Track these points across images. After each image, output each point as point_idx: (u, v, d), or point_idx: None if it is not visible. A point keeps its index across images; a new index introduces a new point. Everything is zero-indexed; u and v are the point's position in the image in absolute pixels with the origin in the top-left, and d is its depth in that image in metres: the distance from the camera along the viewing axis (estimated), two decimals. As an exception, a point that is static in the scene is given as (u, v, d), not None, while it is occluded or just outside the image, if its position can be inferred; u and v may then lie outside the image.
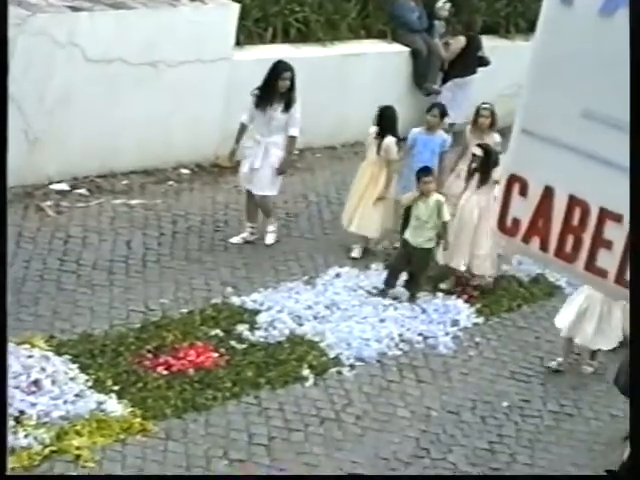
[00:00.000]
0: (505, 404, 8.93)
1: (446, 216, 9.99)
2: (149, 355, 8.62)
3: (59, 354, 8.33)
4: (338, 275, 10.31)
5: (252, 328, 9.24)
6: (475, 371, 9.28)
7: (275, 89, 10.31)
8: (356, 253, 10.74)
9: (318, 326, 9.44)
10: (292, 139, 10.46)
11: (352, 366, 9.07)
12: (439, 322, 9.91)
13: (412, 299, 10.06)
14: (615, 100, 2.78)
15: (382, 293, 10.07)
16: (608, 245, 2.86)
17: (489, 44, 14.45)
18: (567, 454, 8.37)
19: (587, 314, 8.95)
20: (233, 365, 8.72)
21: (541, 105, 2.94)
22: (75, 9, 10.72)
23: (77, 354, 8.43)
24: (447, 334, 9.78)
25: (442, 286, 10.39)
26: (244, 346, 8.99)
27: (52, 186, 10.84)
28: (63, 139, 10.76)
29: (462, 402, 8.87)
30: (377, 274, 10.40)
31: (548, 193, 2.95)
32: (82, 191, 10.99)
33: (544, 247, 2.96)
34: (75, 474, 7.30)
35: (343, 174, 10.39)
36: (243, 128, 10.50)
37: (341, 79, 13.15)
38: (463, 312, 10.16)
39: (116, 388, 8.13)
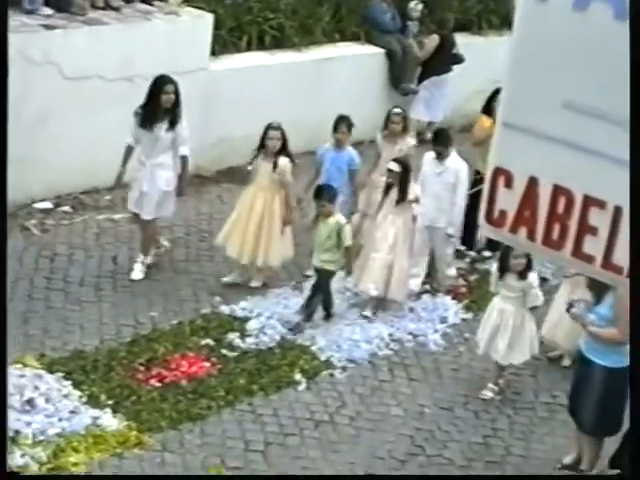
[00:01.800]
0: (498, 398, 9.00)
1: (347, 240, 9.42)
2: (141, 368, 8.67)
3: (51, 372, 8.36)
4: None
5: (243, 335, 9.30)
6: (465, 367, 9.36)
7: (158, 106, 9.64)
8: (231, 278, 10.16)
9: (308, 330, 9.51)
10: (184, 159, 9.84)
11: (344, 368, 9.14)
12: (428, 320, 9.99)
13: (306, 321, 9.53)
14: (594, 90, 2.86)
15: (296, 327, 9.53)
16: (593, 231, 2.94)
17: (463, 41, 14.56)
18: (562, 444, 8.44)
19: (500, 330, 8.81)
20: (226, 373, 8.78)
21: (521, 98, 3.02)
22: (49, 27, 10.77)
23: (69, 371, 8.47)
24: (436, 331, 9.87)
25: (364, 313, 9.89)
26: (236, 354, 9.05)
27: (36, 205, 10.87)
28: (44, 157, 10.80)
29: (454, 398, 8.95)
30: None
31: (533, 183, 3.03)
32: (66, 208, 11.03)
33: (531, 236, 3.04)
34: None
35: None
36: (129, 150, 9.82)
37: (318, 83, 13.23)
38: (451, 309, 10.25)
39: (110, 403, 8.18)
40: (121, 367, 8.64)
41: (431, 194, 10.23)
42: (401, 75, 14.14)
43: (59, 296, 9.54)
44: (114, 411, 8.08)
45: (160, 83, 9.71)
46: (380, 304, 9.96)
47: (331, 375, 9.03)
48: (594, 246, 2.94)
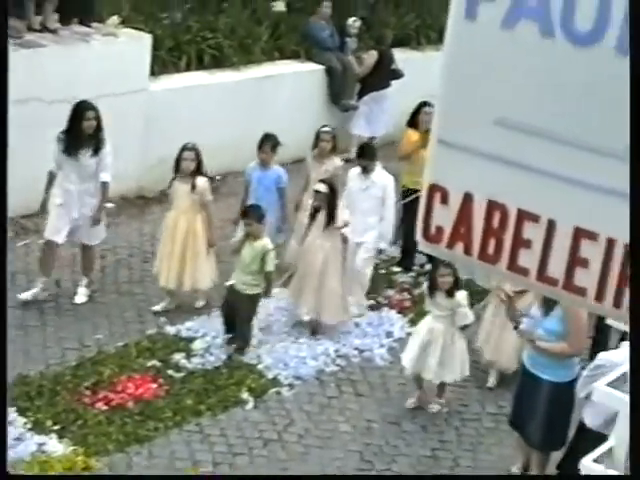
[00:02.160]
0: (444, 410, 9.07)
1: (270, 266, 9.27)
2: (87, 392, 8.63)
3: (-5, 399, 8.28)
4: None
5: (189, 356, 9.29)
6: (412, 381, 9.42)
7: (80, 132, 9.55)
8: (161, 306, 10.00)
9: (254, 349, 9.51)
10: (104, 185, 9.73)
11: (291, 385, 9.16)
12: (373, 335, 10.04)
13: (240, 352, 9.39)
14: (525, 107, 2.92)
15: (231, 341, 9.47)
16: (527, 244, 2.99)
17: (401, 56, 14.70)
18: (509, 454, 8.52)
19: (430, 348, 8.71)
20: (173, 394, 8.77)
21: (454, 115, 3.08)
22: (-15, 51, 10.68)
23: (14, 397, 8.40)
24: (382, 346, 9.92)
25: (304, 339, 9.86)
26: (182, 374, 9.04)
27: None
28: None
29: (402, 412, 9.01)
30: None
31: (468, 199, 3.08)
32: (8, 234, 10.93)
33: (468, 251, 3.09)
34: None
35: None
36: (52, 177, 9.70)
37: (258, 102, 13.28)
38: (397, 323, 10.31)
39: (56, 428, 8.15)
40: (67, 391, 8.59)
41: (358, 210, 10.14)
42: (341, 91, 14.24)
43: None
44: (60, 436, 8.04)
45: (80, 109, 9.61)
46: (317, 327, 9.89)
47: (278, 393, 9.05)
48: (528, 259, 3.00)
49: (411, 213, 10.91)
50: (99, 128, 9.62)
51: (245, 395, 8.92)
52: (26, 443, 7.91)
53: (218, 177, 10.99)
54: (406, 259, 11.35)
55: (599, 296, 2.94)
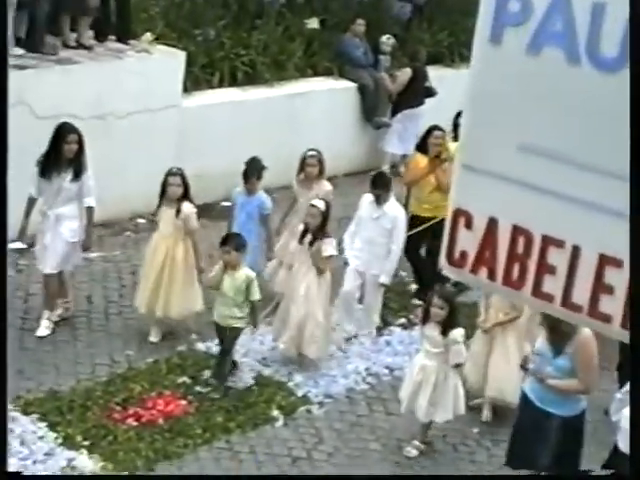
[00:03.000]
0: (475, 430, 9.02)
1: (255, 295, 8.91)
2: (117, 408, 8.65)
3: (26, 414, 8.34)
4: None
5: (219, 373, 9.29)
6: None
7: (61, 155, 9.24)
8: (154, 337, 9.73)
9: (284, 367, 9.51)
10: (90, 210, 9.42)
11: (321, 403, 9.15)
12: (404, 353, 9.99)
13: (223, 391, 9.03)
14: (548, 133, 2.92)
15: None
16: (552, 270, 2.99)
17: (435, 74, 14.70)
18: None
19: (422, 386, 8.37)
20: (202, 411, 8.78)
21: (479, 140, 3.08)
22: (21, 67, 10.80)
23: (45, 412, 8.45)
24: (413, 365, 9.86)
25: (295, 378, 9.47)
26: (212, 391, 9.05)
27: (9, 245, 10.83)
28: (18, 198, 10.77)
29: (433, 431, 8.94)
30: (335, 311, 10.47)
31: (492, 224, 3.08)
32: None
33: (492, 276, 3.08)
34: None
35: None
36: (31, 202, 9.39)
37: (291, 118, 13.31)
38: (428, 342, 10.24)
39: (86, 444, 8.16)
40: (97, 407, 8.62)
41: (365, 239, 9.97)
42: (374, 109, 14.26)
43: (33, 336, 9.52)
44: (90, 452, 8.06)
45: (61, 132, 9.32)
46: (301, 360, 9.55)
47: (308, 411, 9.04)
48: (553, 285, 2.99)
49: (416, 240, 10.79)
50: (81, 151, 9.30)
51: (275, 413, 8.92)
52: (56, 458, 7.94)
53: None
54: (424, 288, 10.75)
55: (625, 323, 2.92)
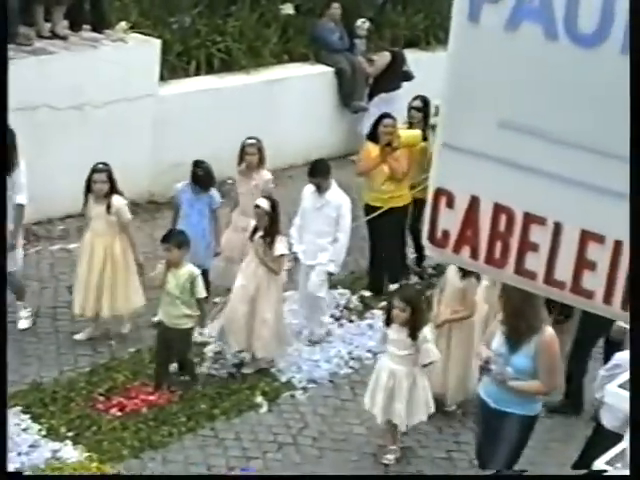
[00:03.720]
0: (460, 411, 9.04)
1: (201, 292, 8.63)
2: (101, 398, 8.64)
3: (10, 406, 8.30)
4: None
5: (202, 360, 9.27)
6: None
7: None
8: (83, 335, 9.50)
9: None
10: (19, 208, 9.05)
11: (305, 389, 9.15)
12: (387, 337, 9.98)
13: (190, 384, 8.89)
14: (527, 109, 2.91)
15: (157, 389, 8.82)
16: (534, 248, 2.98)
17: (411, 57, 14.67)
18: (525, 454, 8.46)
19: (395, 393, 8.04)
20: (186, 399, 8.76)
21: (459, 118, 3.07)
22: (-5, 59, 10.70)
23: (28, 404, 8.43)
24: (396, 348, 9.86)
25: (245, 370, 9.27)
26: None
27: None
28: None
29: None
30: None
31: (474, 203, 3.07)
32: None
33: (474, 255, 3.07)
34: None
35: (280, 198, 10.38)
36: None
37: (268, 105, 13.28)
38: (410, 324, 10.24)
39: (70, 434, 8.15)
40: (80, 398, 8.60)
41: (312, 230, 9.61)
42: (351, 93, 14.23)
43: (16, 328, 9.47)
44: (74, 443, 8.04)
45: None
46: (253, 362, 9.28)
47: (292, 396, 9.04)
48: (535, 262, 2.99)
49: (376, 232, 10.73)
50: (13, 147, 8.89)
51: (259, 399, 8.91)
52: (40, 450, 7.92)
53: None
54: (375, 281, 10.86)
55: (607, 299, 2.92)
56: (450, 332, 8.74)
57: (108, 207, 9.16)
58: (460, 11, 3.00)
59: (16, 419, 8.18)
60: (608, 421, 7.25)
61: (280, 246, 8.97)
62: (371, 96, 14.41)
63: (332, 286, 10.58)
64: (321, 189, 9.60)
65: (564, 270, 2.95)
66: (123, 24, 12.15)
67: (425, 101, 11.27)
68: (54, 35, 11.50)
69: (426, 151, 10.59)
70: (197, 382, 8.91)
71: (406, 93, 14.09)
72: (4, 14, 3.78)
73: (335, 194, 9.66)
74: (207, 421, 8.58)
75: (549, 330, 7.09)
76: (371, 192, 10.68)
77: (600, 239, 2.87)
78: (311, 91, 13.90)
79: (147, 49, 12.01)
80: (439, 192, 3.12)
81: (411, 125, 11.17)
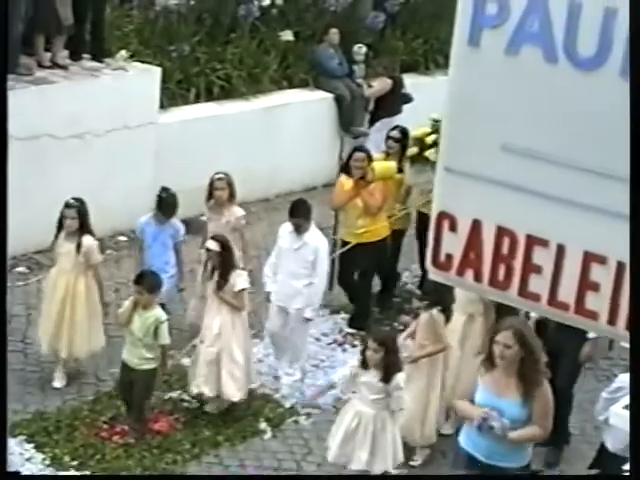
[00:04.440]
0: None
1: (165, 338, 8.32)
2: (105, 426, 8.61)
3: (13, 435, 8.29)
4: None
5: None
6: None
7: None
8: (58, 383, 9.14)
9: (271, 379, 9.48)
10: None
11: (308, 414, 9.13)
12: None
13: (136, 432, 8.45)
14: (530, 132, 2.93)
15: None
16: (538, 270, 2.99)
17: (410, 82, 14.71)
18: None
19: (357, 436, 7.61)
20: (190, 426, 8.75)
21: (460, 142, 3.08)
22: (-4, 89, 10.75)
23: (32, 433, 8.43)
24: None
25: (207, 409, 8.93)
26: (199, 406, 9.00)
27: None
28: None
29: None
30: (324, 321, 10.46)
31: (477, 226, 3.08)
32: (21, 269, 10.98)
33: (478, 278, 3.08)
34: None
35: (280, 224, 10.43)
36: None
37: (268, 131, 13.31)
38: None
39: (74, 463, 8.15)
40: (84, 426, 8.59)
41: (287, 271, 9.24)
42: (351, 118, 14.27)
43: (19, 357, 9.47)
44: (78, 471, 8.02)
45: None
46: (220, 403, 8.92)
47: (296, 422, 9.03)
48: (539, 284, 3.00)
49: (347, 267, 10.34)
50: None
51: (263, 425, 8.90)
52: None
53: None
54: (358, 318, 10.44)
55: (611, 320, 2.93)
56: (417, 367, 8.37)
57: (78, 246, 8.88)
58: (460, 35, 3.02)
59: (20, 449, 8.17)
60: (612, 444, 7.21)
61: (240, 280, 8.62)
62: (372, 121, 14.45)
63: (334, 311, 10.62)
64: (300, 230, 9.22)
65: (568, 292, 2.97)
66: (123, 53, 12.20)
67: (404, 132, 10.97)
68: (55, 65, 11.54)
69: (402, 183, 10.43)
70: (138, 429, 8.49)
71: (405, 117, 14.18)
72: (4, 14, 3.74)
73: (314, 236, 9.27)
74: (211, 448, 8.56)
75: (546, 385, 6.82)
76: (345, 227, 10.40)
77: (603, 260, 2.89)
78: (311, 117, 13.94)
79: (147, 77, 12.06)
80: (442, 215, 3.13)
81: (388, 155, 10.84)
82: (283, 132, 13.44)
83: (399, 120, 14.24)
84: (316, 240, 9.25)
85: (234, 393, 8.73)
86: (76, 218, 8.89)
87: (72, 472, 8.01)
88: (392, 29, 15.74)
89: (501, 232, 3.04)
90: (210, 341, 8.67)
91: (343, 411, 7.89)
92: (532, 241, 2.99)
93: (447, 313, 8.41)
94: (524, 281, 3.01)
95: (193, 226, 10.54)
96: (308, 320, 9.37)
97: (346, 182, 10.20)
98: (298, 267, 9.20)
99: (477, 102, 2.99)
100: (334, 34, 14.38)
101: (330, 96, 14.22)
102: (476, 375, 7.00)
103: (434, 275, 3.18)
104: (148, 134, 11.97)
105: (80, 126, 11.32)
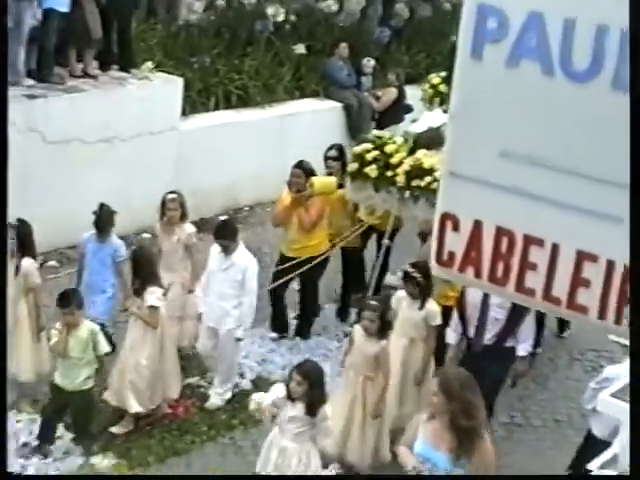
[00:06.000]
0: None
1: (104, 347, 7.69)
2: (129, 410, 8.59)
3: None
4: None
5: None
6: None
7: None
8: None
9: (282, 368, 9.44)
10: None
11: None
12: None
13: (88, 453, 7.87)
14: (529, 140, 2.93)
15: (40, 450, 7.86)
16: (533, 267, 3.00)
17: (413, 93, 14.70)
18: (519, 460, 8.42)
19: (283, 471, 6.96)
20: (207, 411, 8.74)
21: (463, 148, 3.09)
22: (31, 97, 10.79)
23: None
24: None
25: (114, 429, 8.22)
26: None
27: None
28: (30, 216, 10.75)
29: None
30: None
31: (478, 226, 3.09)
32: (52, 263, 10.98)
33: (478, 274, 3.09)
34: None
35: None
36: None
37: (281, 137, 13.37)
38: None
39: (101, 442, 8.12)
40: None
41: (215, 292, 8.57)
42: (358, 126, 14.28)
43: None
44: (104, 450, 8.02)
45: None
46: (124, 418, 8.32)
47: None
48: (535, 280, 3.00)
49: (281, 285, 9.69)
50: None
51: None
52: (74, 457, 7.91)
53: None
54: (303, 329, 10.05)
55: (601, 314, 2.93)
56: (364, 396, 7.77)
57: (17, 269, 8.05)
58: (463, 49, 3.03)
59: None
60: (599, 430, 7.19)
61: (150, 297, 8.02)
62: (379, 129, 14.45)
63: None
64: (227, 250, 8.50)
65: (561, 287, 2.97)
66: (148, 64, 12.24)
67: (340, 150, 10.31)
68: (85, 74, 11.60)
69: (345, 199, 9.64)
70: (91, 452, 7.90)
71: (405, 126, 14.19)
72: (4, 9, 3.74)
73: (242, 256, 8.55)
74: (226, 430, 8.56)
75: (486, 438, 5.91)
76: (283, 241, 9.82)
77: (594, 258, 2.89)
78: (321, 125, 13.96)
79: (170, 87, 12.09)
80: (445, 216, 3.14)
81: (330, 175, 10.06)
82: (296, 138, 13.47)
83: (400, 128, 14.31)
84: (244, 260, 8.53)
85: (133, 404, 8.14)
86: (13, 238, 8.06)
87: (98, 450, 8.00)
88: (397, 44, 15.80)
89: (500, 232, 3.05)
90: (120, 355, 8.20)
91: (267, 448, 7.12)
92: (529, 240, 3.00)
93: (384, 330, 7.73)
94: (521, 277, 3.03)
95: (208, 226, 10.48)
96: (239, 340, 8.74)
97: (286, 196, 9.61)
98: (226, 288, 8.51)
99: (479, 111, 3.00)
100: (344, 48, 14.45)
101: (339, 105, 14.28)
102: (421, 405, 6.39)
103: (437, 272, 3.18)
104: (170, 139, 12.01)
105: (108, 131, 11.35)
